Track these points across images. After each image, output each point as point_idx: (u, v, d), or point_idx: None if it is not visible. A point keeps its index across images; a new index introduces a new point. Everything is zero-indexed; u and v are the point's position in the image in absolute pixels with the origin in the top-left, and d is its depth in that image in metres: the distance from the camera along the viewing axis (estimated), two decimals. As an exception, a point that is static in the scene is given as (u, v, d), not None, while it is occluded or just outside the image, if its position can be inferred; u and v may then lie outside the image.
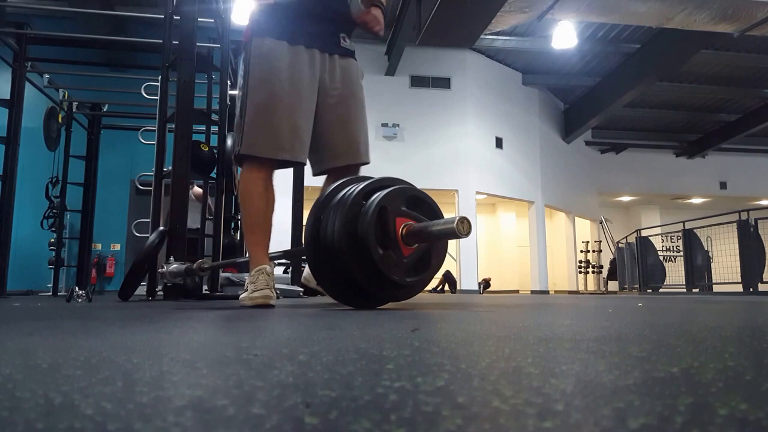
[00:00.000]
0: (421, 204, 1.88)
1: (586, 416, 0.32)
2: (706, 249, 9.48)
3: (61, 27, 8.26)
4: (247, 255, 2.26)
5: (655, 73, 11.79)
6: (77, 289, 3.05)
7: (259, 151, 2.17)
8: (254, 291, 2.04)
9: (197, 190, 4.91)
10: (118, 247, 9.67)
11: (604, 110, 13.57)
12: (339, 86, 2.30)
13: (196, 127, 3.55)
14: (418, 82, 12.43)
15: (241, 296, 2.13)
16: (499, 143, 13.09)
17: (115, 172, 8.73)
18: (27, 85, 4.70)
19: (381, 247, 1.74)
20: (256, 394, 0.39)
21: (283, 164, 2.28)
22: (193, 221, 4.44)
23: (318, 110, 2.28)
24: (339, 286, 1.89)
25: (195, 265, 2.63)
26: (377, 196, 1.77)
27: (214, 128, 4.07)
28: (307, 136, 2.25)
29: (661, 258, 11.12)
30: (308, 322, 1.25)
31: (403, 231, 1.77)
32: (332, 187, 1.93)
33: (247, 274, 2.19)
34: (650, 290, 10.34)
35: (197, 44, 3.43)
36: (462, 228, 1.62)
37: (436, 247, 1.90)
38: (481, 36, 10.89)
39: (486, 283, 13.64)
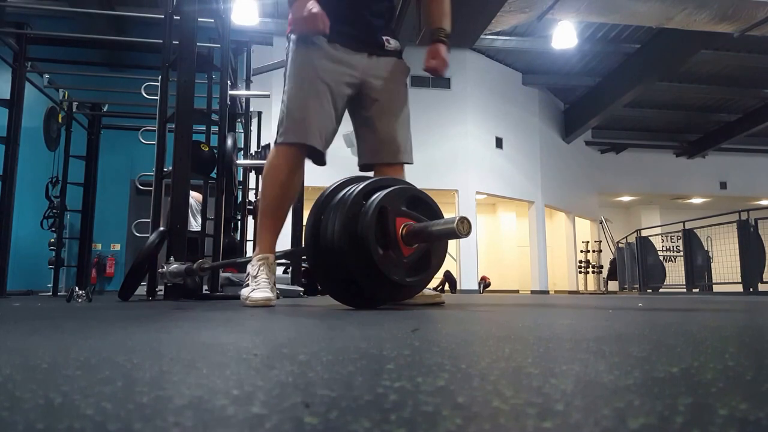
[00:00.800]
0: (421, 204, 1.88)
1: (587, 416, 0.32)
2: (706, 249, 9.49)
3: (61, 27, 8.25)
4: (254, 238, 2.29)
5: (655, 73, 11.79)
6: (77, 289, 3.05)
7: (289, 138, 2.18)
8: (254, 290, 2.04)
9: (197, 195, 4.90)
10: (118, 247, 9.66)
11: (604, 110, 13.57)
12: (379, 85, 2.28)
13: (196, 127, 3.55)
14: (418, 82, 12.42)
15: (242, 293, 2.12)
16: (499, 143, 13.09)
17: (115, 172, 8.73)
18: (27, 85, 4.69)
19: (381, 247, 1.73)
20: (256, 394, 0.39)
21: (314, 156, 2.25)
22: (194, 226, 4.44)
23: (356, 108, 2.31)
24: (339, 286, 1.89)
25: (195, 265, 2.63)
26: (377, 196, 1.77)
27: (214, 128, 4.07)
28: (328, 133, 2.23)
29: (661, 258, 11.13)
30: (308, 322, 1.25)
31: (403, 231, 1.77)
32: (332, 187, 1.93)
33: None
34: (650, 290, 10.35)
35: (197, 44, 3.43)
36: (462, 228, 1.62)
37: (436, 247, 1.90)
38: (481, 36, 10.89)
39: (485, 283, 13.63)
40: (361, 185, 1.85)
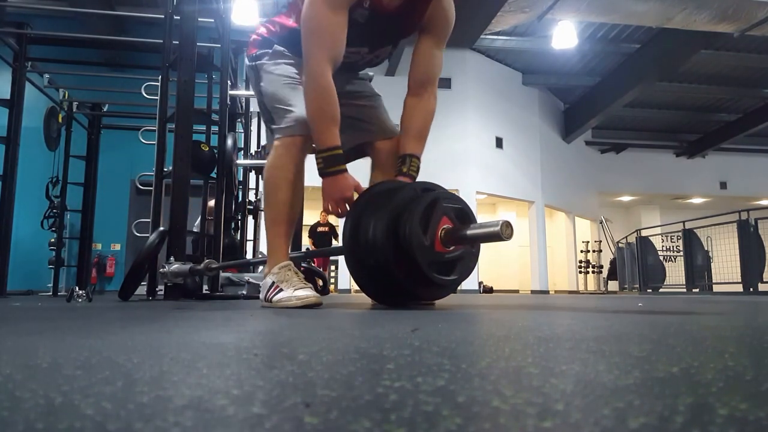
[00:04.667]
0: (464, 216, 1.90)
1: (586, 416, 0.32)
2: (706, 249, 9.49)
3: (61, 27, 8.25)
4: (266, 248, 2.13)
5: (655, 73, 11.79)
6: (77, 289, 3.05)
7: (295, 130, 2.05)
8: (297, 289, 1.91)
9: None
10: (118, 247, 9.66)
11: (604, 110, 13.58)
12: (354, 106, 2.28)
13: (196, 127, 3.55)
14: (418, 82, 12.42)
15: (277, 297, 1.94)
16: (499, 143, 13.10)
17: (115, 172, 8.72)
18: (27, 85, 4.69)
19: (424, 244, 1.75)
20: (256, 394, 0.39)
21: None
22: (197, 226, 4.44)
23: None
24: (374, 282, 1.92)
25: (202, 265, 2.63)
26: (432, 192, 1.82)
27: (214, 128, 4.07)
28: None
29: (661, 258, 11.12)
30: (308, 322, 1.25)
31: (442, 233, 1.79)
32: (374, 191, 1.96)
33: (247, 274, 2.15)
34: (650, 290, 10.34)
35: (197, 44, 3.43)
36: (506, 232, 1.63)
37: (469, 251, 1.92)
38: (481, 36, 10.90)
39: (485, 288, 13.64)
40: (416, 184, 1.91)
